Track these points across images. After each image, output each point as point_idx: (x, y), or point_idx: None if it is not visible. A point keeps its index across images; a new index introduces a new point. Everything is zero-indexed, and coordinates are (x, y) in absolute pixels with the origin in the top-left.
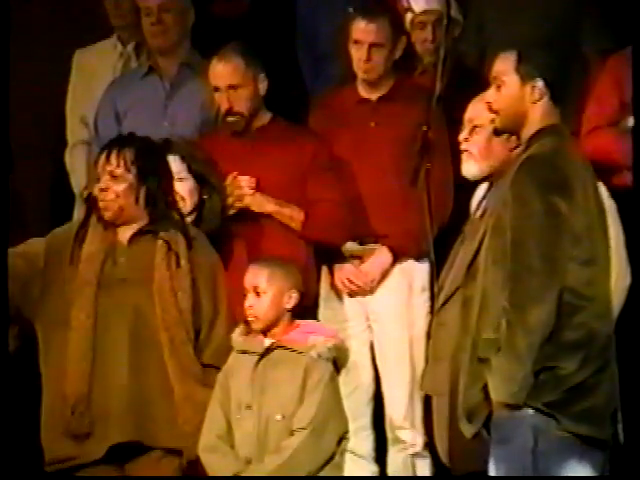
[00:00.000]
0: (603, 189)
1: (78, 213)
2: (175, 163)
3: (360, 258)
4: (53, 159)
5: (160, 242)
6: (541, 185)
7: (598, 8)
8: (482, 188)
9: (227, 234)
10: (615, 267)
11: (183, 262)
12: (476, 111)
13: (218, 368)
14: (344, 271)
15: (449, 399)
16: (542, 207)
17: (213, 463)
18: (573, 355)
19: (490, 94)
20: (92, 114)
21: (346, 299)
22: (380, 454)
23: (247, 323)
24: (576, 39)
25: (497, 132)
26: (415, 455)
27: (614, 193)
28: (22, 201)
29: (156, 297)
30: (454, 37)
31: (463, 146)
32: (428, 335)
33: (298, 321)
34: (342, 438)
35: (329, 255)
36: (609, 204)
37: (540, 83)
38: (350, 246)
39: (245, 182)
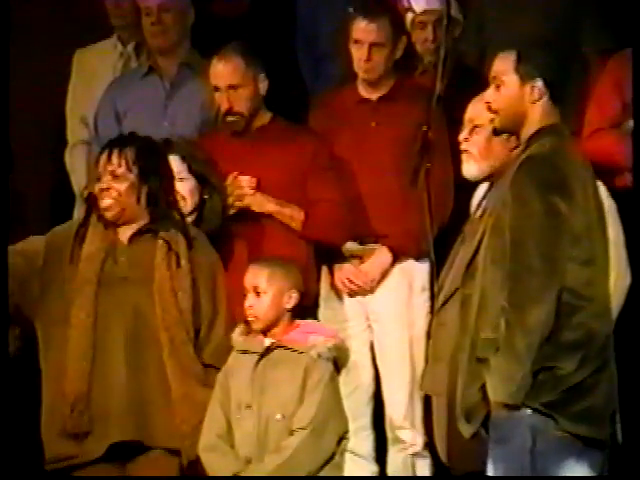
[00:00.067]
0: (603, 189)
1: (78, 213)
2: (176, 163)
3: (360, 258)
4: (53, 159)
5: (160, 242)
6: (541, 185)
7: (598, 8)
8: (482, 188)
9: (227, 234)
10: (615, 267)
11: (183, 262)
12: (476, 111)
13: (218, 368)
14: (344, 271)
15: (447, 399)
16: (542, 207)
17: (213, 463)
18: (572, 355)
19: (489, 94)
20: (92, 114)
21: (346, 299)
22: (380, 454)
23: (247, 323)
24: (576, 39)
25: (496, 132)
26: (415, 455)
27: (614, 193)
28: (22, 201)
29: (156, 297)
30: (454, 37)
31: (463, 146)
32: (428, 335)
33: (298, 321)
34: (342, 438)
35: (329, 255)
36: (609, 204)
37: (539, 83)
38: (350, 246)
39: (245, 182)
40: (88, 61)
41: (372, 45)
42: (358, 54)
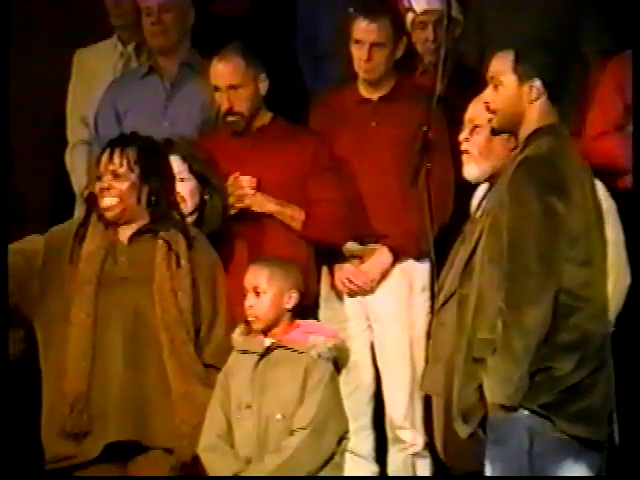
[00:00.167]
0: (604, 190)
1: (78, 213)
2: (176, 163)
3: (360, 258)
4: (53, 159)
5: (160, 242)
6: (538, 185)
7: (598, 9)
8: (482, 188)
9: (228, 234)
10: (615, 267)
11: (183, 262)
12: (477, 111)
13: (218, 368)
14: (344, 271)
15: (444, 399)
16: (539, 208)
17: (213, 463)
18: (569, 356)
19: (487, 94)
20: (92, 114)
21: (346, 299)
22: (380, 454)
23: (247, 323)
24: (576, 39)
25: (494, 132)
26: (415, 455)
27: (615, 194)
28: (22, 201)
29: (156, 297)
30: (455, 37)
31: (463, 146)
32: (428, 335)
33: (298, 321)
34: (342, 438)
35: (329, 255)
36: (610, 205)
37: (538, 83)
38: (350, 246)
39: (246, 182)
40: (88, 61)
41: (373, 45)
42: (359, 54)
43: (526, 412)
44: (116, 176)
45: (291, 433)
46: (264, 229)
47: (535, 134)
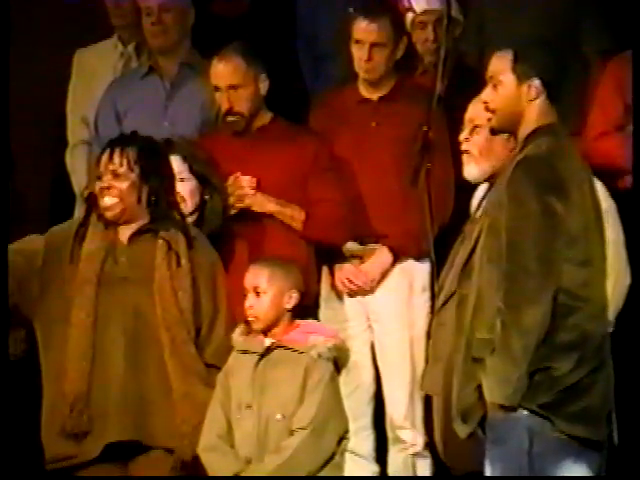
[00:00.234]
0: (604, 190)
1: (78, 213)
2: (177, 163)
3: (360, 258)
4: (53, 159)
5: (160, 241)
6: (537, 185)
7: (598, 9)
8: (482, 188)
9: (228, 234)
10: (615, 267)
11: (183, 261)
12: (477, 111)
13: (219, 368)
14: (344, 271)
15: (443, 399)
16: (538, 208)
17: (213, 463)
18: (568, 356)
19: (486, 93)
20: (92, 114)
21: (347, 299)
22: (381, 454)
23: (247, 323)
24: (576, 39)
25: (493, 131)
26: (416, 455)
27: (615, 194)
28: (22, 201)
29: (157, 296)
30: (455, 37)
31: (464, 146)
32: (428, 335)
33: (298, 321)
34: (342, 438)
35: (330, 255)
36: (610, 204)
37: (536, 82)
38: (350, 246)
39: (246, 182)
40: (88, 61)
41: (373, 45)
42: (359, 54)
43: (525, 412)
44: (116, 176)
45: (291, 433)
46: (264, 229)
47: (534, 134)
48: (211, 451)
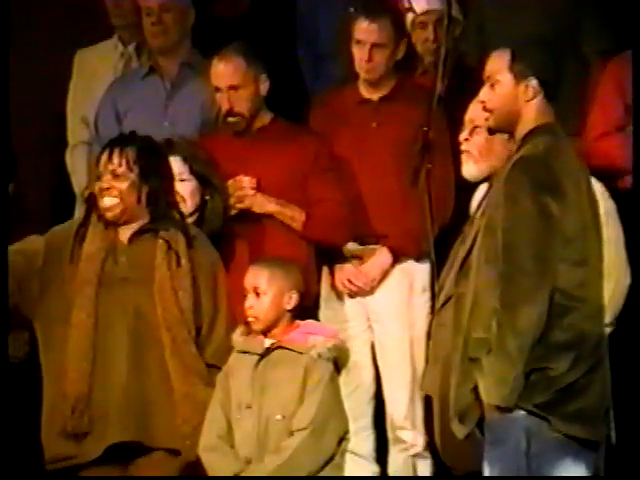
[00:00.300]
0: (604, 190)
1: (79, 213)
2: (177, 164)
3: (360, 258)
4: (53, 159)
5: (160, 241)
6: (533, 185)
7: (598, 9)
8: (482, 188)
9: (229, 235)
10: (615, 267)
11: (184, 261)
12: (477, 111)
13: (219, 368)
14: (344, 271)
15: (440, 399)
16: (534, 208)
17: (213, 463)
18: (564, 356)
19: (484, 93)
20: (93, 114)
21: (347, 299)
22: (381, 454)
23: (247, 324)
24: (576, 39)
25: (491, 131)
26: (416, 455)
27: (615, 194)
28: (22, 201)
29: (157, 296)
30: (455, 37)
31: (463, 146)
32: (429, 335)
33: (298, 321)
34: (342, 438)
35: (330, 255)
36: (609, 205)
37: (534, 82)
38: (351, 246)
39: (246, 183)
40: (89, 61)
41: (373, 45)
42: (359, 54)
43: (522, 412)
44: (116, 176)
45: (291, 433)
46: (264, 230)
47: (532, 133)
48: (211, 451)
